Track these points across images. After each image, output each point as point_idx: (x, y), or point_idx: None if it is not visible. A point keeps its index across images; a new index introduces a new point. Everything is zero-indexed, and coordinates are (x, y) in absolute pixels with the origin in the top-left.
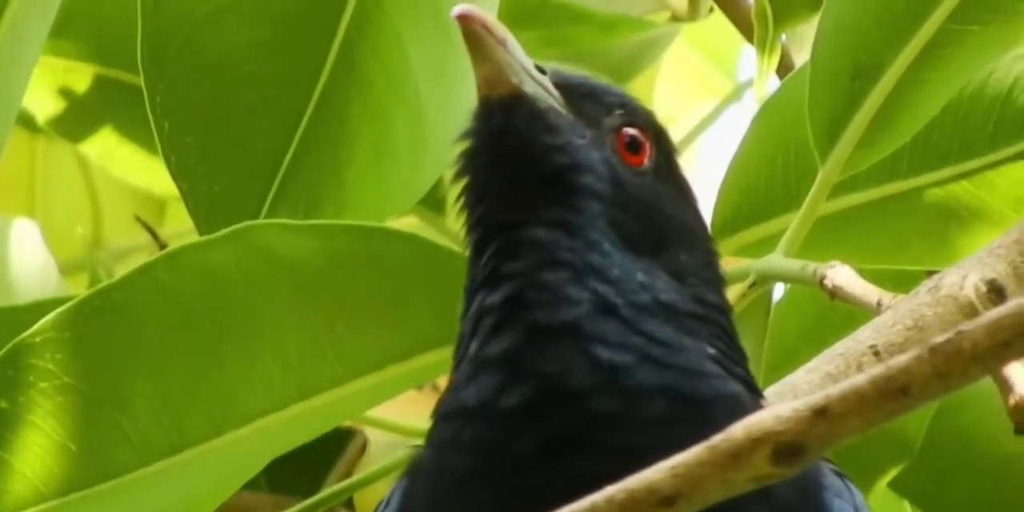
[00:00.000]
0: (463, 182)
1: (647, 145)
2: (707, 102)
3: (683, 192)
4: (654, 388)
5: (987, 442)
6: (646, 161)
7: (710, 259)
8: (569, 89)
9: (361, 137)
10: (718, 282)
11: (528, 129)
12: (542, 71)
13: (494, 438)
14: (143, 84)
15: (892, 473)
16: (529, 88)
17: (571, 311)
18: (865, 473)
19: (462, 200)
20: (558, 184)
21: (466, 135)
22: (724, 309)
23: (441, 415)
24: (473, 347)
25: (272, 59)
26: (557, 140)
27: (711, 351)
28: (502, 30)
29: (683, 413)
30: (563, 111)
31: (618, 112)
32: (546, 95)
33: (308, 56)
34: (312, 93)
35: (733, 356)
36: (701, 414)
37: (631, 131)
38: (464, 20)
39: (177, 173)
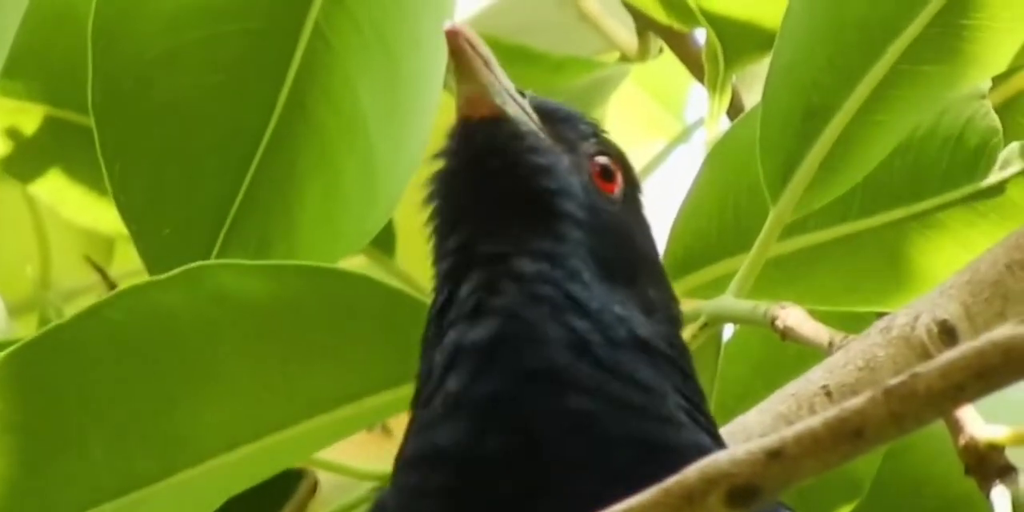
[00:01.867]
0: (438, 204)
1: (618, 174)
2: (655, 143)
3: (647, 227)
4: (628, 437)
5: (937, 483)
6: (617, 190)
7: (672, 296)
8: (546, 114)
9: (311, 179)
10: (679, 320)
11: (512, 150)
12: (521, 94)
13: (466, 484)
14: (94, 126)
15: None
16: (511, 110)
17: (551, 354)
18: None
19: (436, 223)
20: (542, 209)
21: (443, 155)
22: (686, 349)
23: (409, 458)
24: (450, 385)
25: (223, 101)
26: (541, 161)
27: (680, 399)
28: (487, 50)
29: (654, 461)
30: (543, 135)
31: (592, 140)
32: (527, 118)
33: (258, 98)
34: (262, 135)
35: (696, 402)
36: (672, 463)
37: (604, 160)
38: (453, 36)
39: (127, 215)
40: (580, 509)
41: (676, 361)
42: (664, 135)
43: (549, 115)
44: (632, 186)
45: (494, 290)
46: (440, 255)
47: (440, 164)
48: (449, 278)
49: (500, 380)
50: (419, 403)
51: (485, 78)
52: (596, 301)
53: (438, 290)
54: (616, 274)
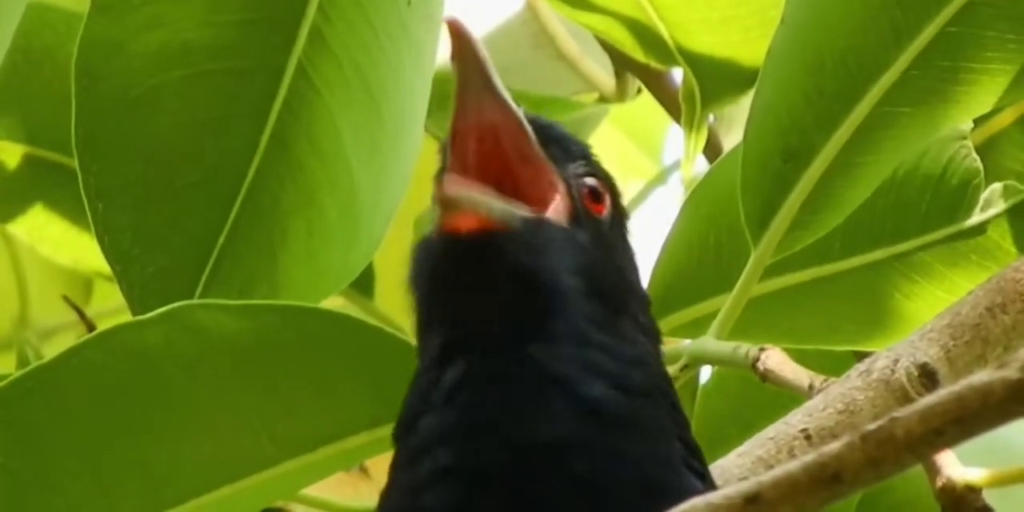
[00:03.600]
0: (426, 301)
1: (606, 196)
2: (632, 184)
3: (632, 250)
4: (632, 487)
5: None
6: (605, 212)
7: (655, 325)
8: (540, 130)
9: (294, 218)
10: (661, 351)
11: (504, 259)
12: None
13: None
14: (77, 166)
15: None
16: (497, 213)
17: (554, 426)
18: None
19: (424, 316)
20: (540, 301)
21: (428, 257)
22: (672, 383)
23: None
24: (442, 457)
25: (205, 140)
26: (537, 259)
27: (680, 445)
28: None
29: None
30: (533, 217)
31: (581, 161)
32: (514, 211)
33: (241, 137)
34: (246, 175)
35: (692, 445)
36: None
37: (592, 181)
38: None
39: (111, 254)
40: None
41: (676, 403)
42: (641, 176)
43: (542, 131)
44: (618, 208)
45: (498, 376)
46: (432, 345)
47: (423, 261)
48: (442, 367)
49: (497, 446)
50: (400, 463)
51: (468, 196)
52: (610, 358)
53: (428, 377)
54: (614, 309)
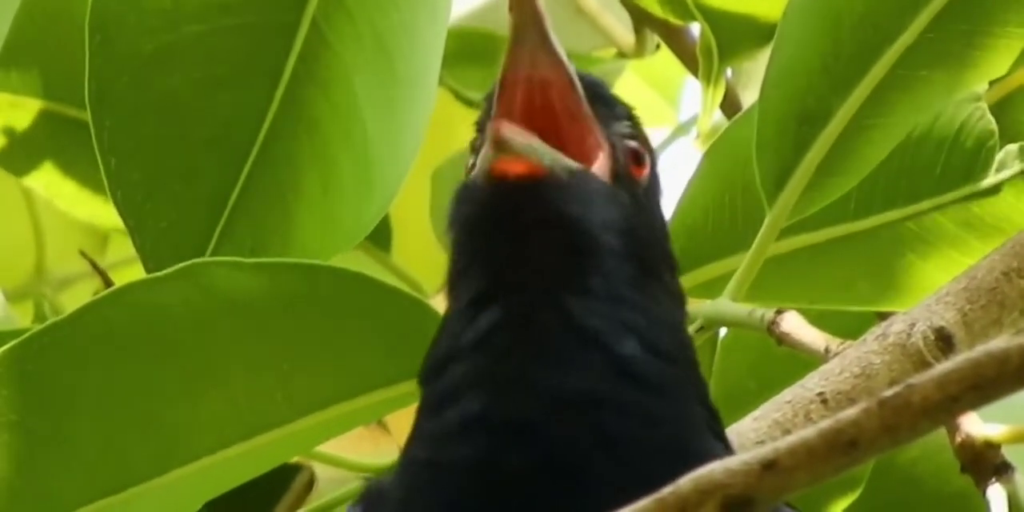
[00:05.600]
0: (465, 242)
1: (647, 158)
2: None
3: (662, 213)
4: (659, 450)
5: (933, 479)
6: (645, 173)
7: (682, 291)
8: (588, 88)
9: (308, 174)
10: (687, 315)
11: (552, 206)
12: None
13: (484, 500)
14: (90, 121)
15: (838, 510)
16: (548, 161)
17: (587, 377)
18: (811, 510)
19: (464, 260)
20: (583, 252)
21: (471, 203)
22: (694, 346)
23: (423, 464)
24: (472, 405)
25: (219, 96)
26: (582, 210)
27: (702, 408)
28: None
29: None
30: (579, 169)
31: (626, 122)
32: (564, 160)
33: (255, 93)
34: (259, 130)
35: (712, 409)
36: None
37: (635, 144)
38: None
39: (124, 210)
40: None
41: (697, 367)
42: (664, 123)
43: (590, 90)
44: (655, 173)
45: (532, 325)
46: (468, 288)
47: (465, 205)
48: (477, 311)
49: (528, 399)
50: (427, 409)
51: (521, 140)
52: (642, 317)
53: (462, 322)
54: (646, 272)
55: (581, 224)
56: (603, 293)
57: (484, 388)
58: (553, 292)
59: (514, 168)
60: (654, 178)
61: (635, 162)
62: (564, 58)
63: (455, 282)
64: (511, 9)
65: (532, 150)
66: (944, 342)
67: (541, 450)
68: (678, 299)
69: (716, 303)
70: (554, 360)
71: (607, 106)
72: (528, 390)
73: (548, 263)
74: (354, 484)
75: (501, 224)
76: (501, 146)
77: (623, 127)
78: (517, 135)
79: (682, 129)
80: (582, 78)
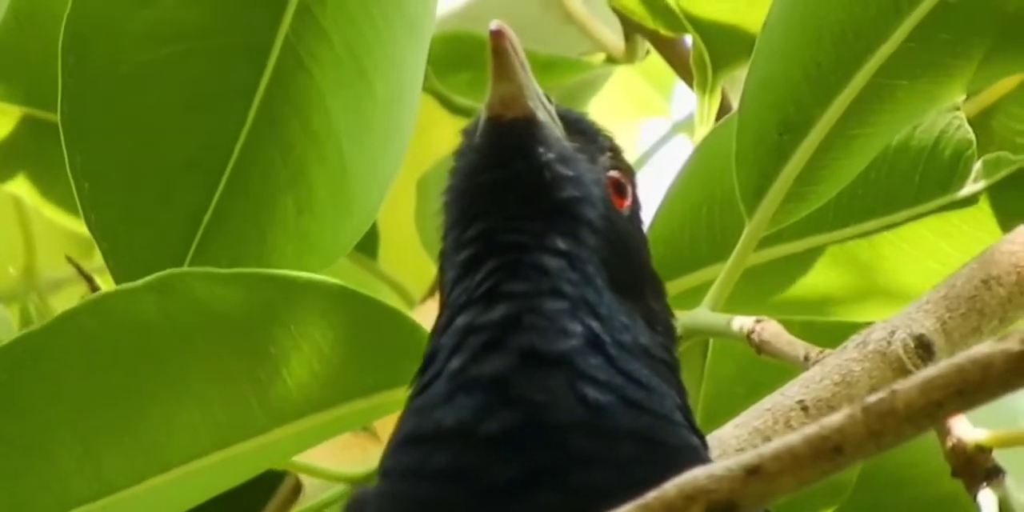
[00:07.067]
0: (457, 197)
1: (629, 190)
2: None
3: (647, 244)
4: (630, 431)
5: (920, 484)
6: (626, 205)
7: (670, 311)
8: (568, 123)
9: (283, 194)
10: (676, 335)
11: (542, 154)
12: (549, 100)
13: (467, 466)
14: (63, 144)
15: None
16: (542, 114)
17: (565, 342)
18: None
19: (454, 215)
20: (566, 214)
21: (467, 150)
22: (679, 362)
23: (406, 438)
24: (454, 364)
25: (191, 118)
26: (569, 171)
27: (677, 401)
28: (523, 56)
29: (652, 458)
30: (569, 143)
31: (608, 154)
32: (555, 125)
33: (229, 114)
34: (232, 152)
35: (688, 408)
36: (668, 461)
37: (617, 175)
38: (497, 36)
39: (98, 232)
40: (580, 498)
41: (674, 369)
42: (657, 113)
43: (570, 125)
44: (637, 204)
45: (512, 277)
46: (456, 245)
47: (463, 158)
48: (465, 266)
49: (508, 361)
50: (422, 383)
51: (522, 80)
52: (605, 307)
53: (452, 278)
54: (623, 285)
55: (569, 180)
56: (574, 259)
57: (460, 354)
58: (530, 248)
59: (512, 109)
60: (635, 206)
61: (618, 193)
62: (539, 115)
63: (449, 248)
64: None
65: (528, 87)
66: (924, 349)
67: (522, 408)
68: (660, 316)
69: (695, 313)
70: (530, 316)
71: (590, 139)
72: (508, 356)
73: (530, 216)
74: (341, 487)
75: (494, 163)
76: (501, 66)
77: (605, 159)
78: (516, 60)
79: (676, 129)
80: (563, 113)
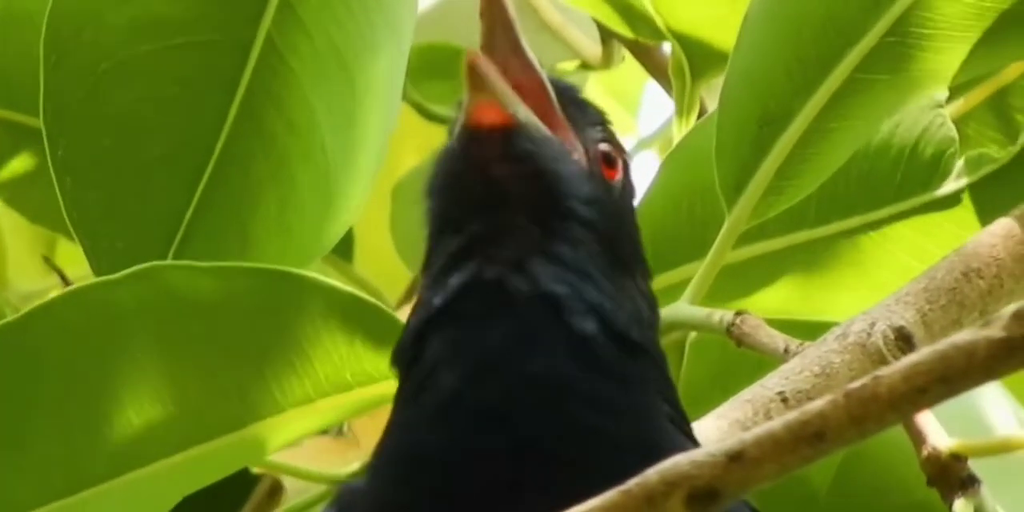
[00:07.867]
0: (438, 205)
1: (619, 162)
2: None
3: (635, 217)
4: (623, 442)
5: (893, 493)
6: (617, 177)
7: (652, 293)
8: (560, 92)
9: (265, 191)
10: (658, 312)
11: (524, 157)
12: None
13: (455, 485)
14: (45, 140)
15: None
16: (522, 116)
17: (555, 359)
18: None
19: (436, 224)
20: (554, 213)
21: (446, 159)
22: (665, 356)
23: (394, 453)
24: (445, 383)
25: (174, 113)
26: (555, 168)
27: (665, 403)
28: (514, 19)
29: (647, 466)
30: (554, 136)
31: (598, 127)
32: (538, 122)
33: (210, 111)
34: (214, 148)
35: (676, 404)
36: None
37: (607, 147)
38: (472, 62)
39: (79, 230)
40: (565, 501)
41: (662, 363)
42: (623, 131)
43: (563, 94)
44: (628, 176)
45: (500, 290)
46: (440, 255)
47: (441, 166)
48: (447, 271)
49: (500, 384)
50: (404, 397)
51: (498, 88)
52: (608, 301)
53: (434, 288)
54: (618, 266)
55: (554, 181)
56: (571, 263)
57: (453, 370)
58: (522, 255)
59: (489, 117)
60: (627, 183)
61: (607, 165)
62: (535, 63)
63: (429, 245)
64: (482, 15)
65: (506, 94)
66: (904, 341)
67: (508, 434)
68: (650, 301)
69: (675, 306)
70: (517, 334)
71: (580, 110)
72: (492, 371)
73: (518, 221)
74: (322, 488)
75: (475, 174)
76: (476, 80)
77: (596, 131)
78: (492, 72)
79: (644, 144)
80: (555, 83)
